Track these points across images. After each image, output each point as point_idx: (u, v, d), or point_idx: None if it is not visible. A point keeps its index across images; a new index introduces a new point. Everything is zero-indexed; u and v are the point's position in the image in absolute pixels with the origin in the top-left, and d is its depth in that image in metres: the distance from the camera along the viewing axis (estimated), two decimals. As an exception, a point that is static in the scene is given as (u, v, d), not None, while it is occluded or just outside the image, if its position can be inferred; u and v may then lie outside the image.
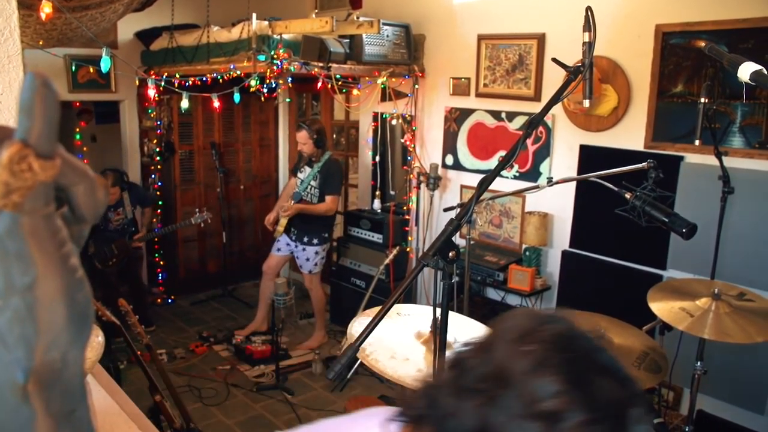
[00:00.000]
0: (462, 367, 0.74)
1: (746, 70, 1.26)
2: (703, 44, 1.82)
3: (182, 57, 5.37)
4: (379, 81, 5.04)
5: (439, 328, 1.44)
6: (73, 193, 0.48)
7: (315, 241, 5.11)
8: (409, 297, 5.37)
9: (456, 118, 5.13)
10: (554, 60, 1.75)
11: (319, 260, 5.18)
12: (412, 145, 5.38)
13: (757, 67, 1.25)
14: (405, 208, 5.56)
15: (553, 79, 4.43)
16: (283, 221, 5.03)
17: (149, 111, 6.02)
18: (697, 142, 3.21)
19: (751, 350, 3.51)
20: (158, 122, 6.07)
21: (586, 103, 1.69)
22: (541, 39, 4.48)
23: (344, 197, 6.73)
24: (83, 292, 0.48)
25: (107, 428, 1.07)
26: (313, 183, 5.03)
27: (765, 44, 3.47)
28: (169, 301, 6.32)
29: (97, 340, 1.14)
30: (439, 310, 1.45)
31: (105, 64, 3.61)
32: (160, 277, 6.29)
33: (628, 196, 2.34)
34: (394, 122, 5.55)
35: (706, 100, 3.14)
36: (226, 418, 4.32)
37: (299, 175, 5.15)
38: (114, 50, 5.64)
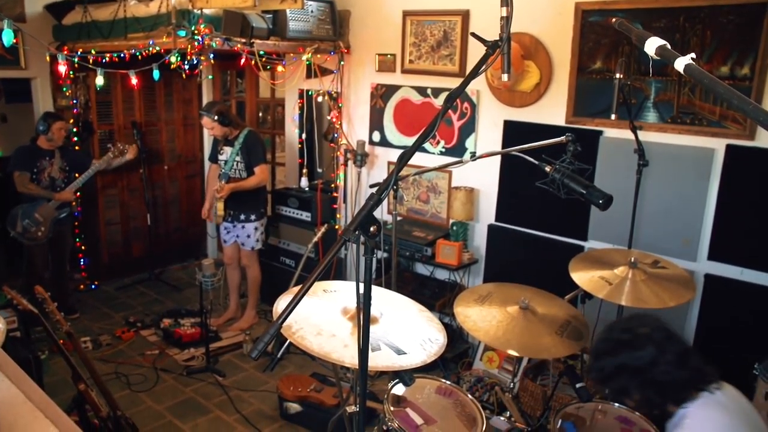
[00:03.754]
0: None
1: (652, 45, 1.30)
2: (614, 20, 1.87)
3: (98, 32, 5.13)
4: (304, 57, 4.97)
5: (363, 303, 1.45)
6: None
7: (252, 217, 5.06)
8: (340, 273, 5.38)
9: (382, 94, 5.13)
10: (473, 35, 1.77)
11: (259, 236, 5.14)
12: (339, 122, 5.35)
13: (662, 42, 1.29)
14: (333, 185, 5.54)
15: (478, 55, 4.42)
16: (220, 205, 4.95)
17: (64, 89, 5.74)
18: (613, 117, 3.32)
19: (666, 314, 3.68)
20: (74, 101, 5.80)
21: (505, 77, 1.71)
22: (465, 15, 4.52)
23: (272, 176, 6.64)
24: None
25: (11, 419, 1.02)
26: (237, 159, 4.95)
27: (675, 24, 3.61)
28: (93, 286, 6.11)
29: (-2, 327, 1.08)
30: (362, 285, 1.45)
31: (7, 37, 3.39)
32: (82, 262, 6.06)
33: (547, 169, 2.40)
34: (320, 99, 5.49)
35: (621, 76, 3.25)
36: (156, 403, 4.23)
37: (221, 156, 5.06)
38: (21, 24, 5.35)
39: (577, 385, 2.61)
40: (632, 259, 3.03)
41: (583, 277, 3.00)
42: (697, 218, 3.71)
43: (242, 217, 5.07)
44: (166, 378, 4.55)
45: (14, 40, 3.56)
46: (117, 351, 4.93)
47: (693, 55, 1.21)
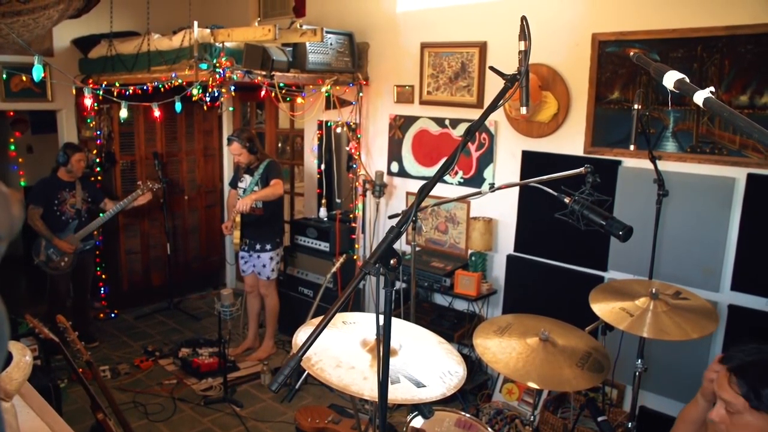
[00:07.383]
0: None
1: (670, 79, 1.30)
2: (632, 53, 1.88)
3: (122, 65, 5.25)
4: (323, 89, 5.03)
5: (382, 336, 1.45)
6: (-15, 209, 0.46)
7: (268, 246, 5.09)
8: (357, 305, 5.37)
9: (400, 125, 5.16)
10: (491, 68, 1.78)
11: (275, 265, 5.17)
12: (358, 153, 5.39)
13: (680, 75, 1.29)
14: (351, 216, 5.57)
15: (495, 86, 4.47)
16: (237, 233, 4.97)
17: (88, 121, 5.86)
18: (632, 147, 3.31)
19: (688, 346, 3.64)
20: (98, 132, 5.92)
21: (524, 110, 1.72)
22: (482, 47, 4.56)
23: (290, 206, 6.69)
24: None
25: (36, 450, 1.03)
26: (256, 188, 4.99)
27: (693, 54, 3.62)
28: (113, 315, 6.16)
29: (24, 359, 1.09)
30: (382, 318, 1.45)
31: (37, 73, 3.49)
32: (102, 291, 6.12)
33: (567, 200, 2.39)
34: (339, 130, 5.55)
35: (640, 107, 3.25)
36: (173, 433, 4.23)
37: (240, 184, 5.12)
38: (49, 58, 5.49)
39: (599, 419, 2.57)
40: (653, 290, 2.99)
41: (603, 308, 2.96)
42: (719, 248, 3.67)
43: (258, 246, 5.09)
44: (183, 408, 4.55)
45: (43, 75, 3.66)
46: (135, 380, 4.94)
47: (712, 88, 1.21)
